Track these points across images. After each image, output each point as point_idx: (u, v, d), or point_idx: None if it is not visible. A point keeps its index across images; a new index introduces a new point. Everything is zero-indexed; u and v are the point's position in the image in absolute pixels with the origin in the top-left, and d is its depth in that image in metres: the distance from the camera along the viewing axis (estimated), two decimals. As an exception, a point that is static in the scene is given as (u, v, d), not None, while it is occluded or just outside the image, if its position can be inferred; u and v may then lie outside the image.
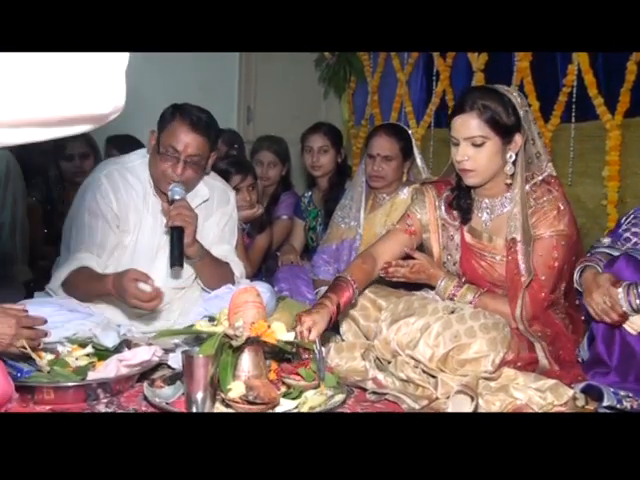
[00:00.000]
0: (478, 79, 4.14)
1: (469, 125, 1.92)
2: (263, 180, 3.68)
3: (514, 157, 1.96)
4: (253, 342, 1.64)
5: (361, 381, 1.89)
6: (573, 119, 3.75)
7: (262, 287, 2.47)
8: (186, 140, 2.19)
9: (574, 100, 3.72)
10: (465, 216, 2.10)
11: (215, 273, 2.39)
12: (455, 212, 2.13)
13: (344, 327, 2.13)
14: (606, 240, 2.06)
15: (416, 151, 2.95)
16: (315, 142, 3.47)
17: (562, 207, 1.97)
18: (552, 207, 1.96)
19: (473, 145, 1.92)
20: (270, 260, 3.39)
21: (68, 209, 3.13)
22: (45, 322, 1.70)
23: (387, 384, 1.84)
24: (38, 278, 2.81)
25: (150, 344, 1.86)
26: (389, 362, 1.90)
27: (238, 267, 2.49)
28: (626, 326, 1.81)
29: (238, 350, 1.63)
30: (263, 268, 3.32)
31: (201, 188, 2.38)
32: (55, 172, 3.16)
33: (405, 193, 2.88)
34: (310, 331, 1.77)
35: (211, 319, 1.80)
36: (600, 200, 3.67)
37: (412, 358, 1.82)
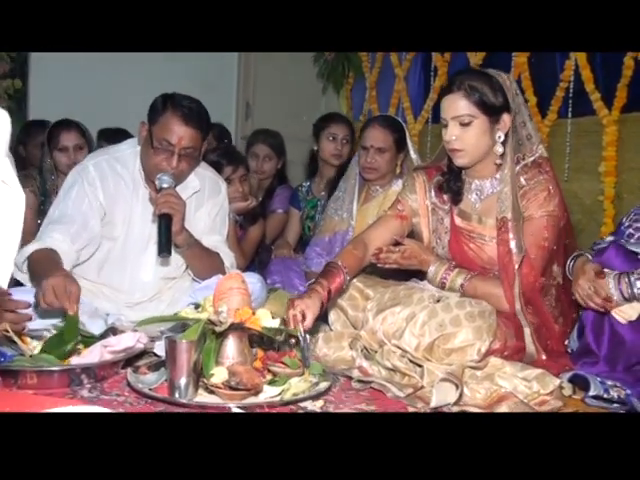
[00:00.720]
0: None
1: (456, 104, 1.94)
2: (258, 173, 3.69)
3: (503, 137, 1.98)
4: (237, 328, 1.63)
5: (347, 369, 1.88)
6: (570, 114, 3.75)
7: (253, 278, 2.46)
8: (180, 133, 2.17)
9: (571, 95, 3.72)
10: (455, 197, 2.11)
11: (205, 263, 2.38)
12: (445, 196, 2.15)
13: (332, 317, 2.12)
14: (609, 238, 2.05)
15: (410, 143, 2.94)
16: (341, 131, 3.45)
17: (552, 189, 1.99)
18: (542, 188, 1.98)
19: (461, 125, 1.94)
20: (263, 252, 3.39)
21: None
22: (29, 306, 1.69)
23: (373, 372, 1.83)
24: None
25: (135, 331, 1.86)
26: (376, 351, 1.89)
27: (228, 257, 2.48)
28: (615, 314, 1.80)
29: (222, 336, 1.62)
30: (256, 260, 3.31)
31: (192, 179, 2.37)
32: (49, 163, 3.15)
33: (399, 185, 2.86)
34: (304, 315, 1.76)
35: (197, 306, 1.79)
36: (597, 196, 3.66)
37: (398, 348, 1.81)
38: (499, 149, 1.99)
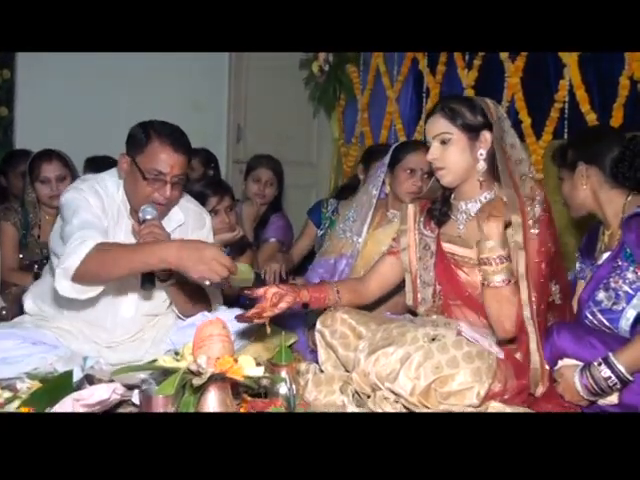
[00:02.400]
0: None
1: (435, 124, 1.99)
2: (259, 197, 3.61)
3: (484, 155, 1.97)
4: (218, 379, 1.52)
5: (337, 418, 1.77)
6: (566, 135, 3.68)
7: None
8: (170, 162, 2.09)
9: (566, 116, 3.65)
10: (440, 218, 2.11)
11: (190, 298, 2.28)
12: (432, 223, 2.13)
13: (323, 356, 2.02)
14: (577, 266, 2.27)
15: None
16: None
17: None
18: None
19: (441, 143, 1.97)
20: (256, 282, 3.27)
21: (43, 234, 3.07)
22: None
23: (365, 421, 1.72)
24: (10, 306, 2.71)
25: (112, 380, 1.75)
26: (368, 396, 1.78)
27: (215, 294, 2.38)
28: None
29: (201, 388, 1.52)
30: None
31: (175, 212, 2.28)
32: (31, 196, 3.05)
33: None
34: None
35: (176, 353, 1.69)
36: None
37: (392, 392, 1.71)
38: (482, 166, 1.97)
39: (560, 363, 1.90)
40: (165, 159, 2.08)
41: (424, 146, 2.78)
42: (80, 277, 1.92)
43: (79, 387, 1.77)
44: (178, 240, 2.03)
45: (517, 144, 2.01)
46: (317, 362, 2.10)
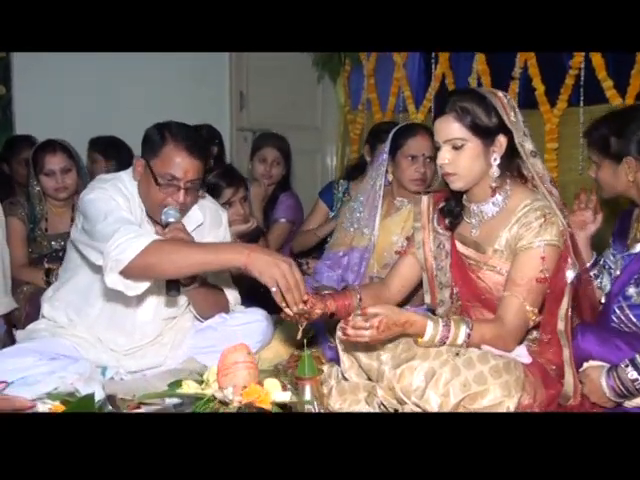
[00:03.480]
0: (479, 61, 3.94)
1: (447, 127, 1.87)
2: (266, 178, 3.55)
3: (499, 160, 1.89)
4: (245, 410, 1.50)
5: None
6: (582, 102, 3.57)
7: (258, 315, 2.35)
8: (185, 166, 2.03)
9: (582, 83, 3.53)
10: (452, 222, 2.05)
11: (210, 301, 2.26)
12: (446, 221, 2.07)
13: (346, 364, 1.98)
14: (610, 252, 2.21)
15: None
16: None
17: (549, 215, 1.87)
18: (538, 215, 1.87)
19: (453, 148, 1.87)
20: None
21: (51, 227, 3.02)
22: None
23: (393, 438, 1.70)
24: (23, 305, 2.68)
25: (139, 406, 1.72)
26: (395, 410, 1.76)
27: (232, 293, 2.36)
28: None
29: (229, 418, 1.49)
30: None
31: (194, 211, 2.22)
32: (37, 188, 2.98)
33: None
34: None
35: (200, 375, 1.66)
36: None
37: (418, 407, 1.69)
38: (495, 172, 1.90)
39: (586, 365, 1.87)
40: (179, 163, 2.03)
41: (424, 129, 2.72)
42: (131, 271, 1.85)
43: (101, 409, 1.75)
44: (243, 244, 2.01)
45: (528, 138, 1.92)
46: (337, 359, 2.06)
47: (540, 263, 1.83)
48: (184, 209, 2.11)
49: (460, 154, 1.86)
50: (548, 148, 3.65)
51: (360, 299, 2.04)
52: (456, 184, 1.92)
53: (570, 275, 1.84)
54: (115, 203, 2.02)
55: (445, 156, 1.87)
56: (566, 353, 1.84)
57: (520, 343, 1.89)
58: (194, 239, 2.04)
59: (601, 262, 2.21)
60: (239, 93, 5.17)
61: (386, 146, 2.69)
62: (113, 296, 2.11)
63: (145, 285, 1.91)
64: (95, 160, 3.75)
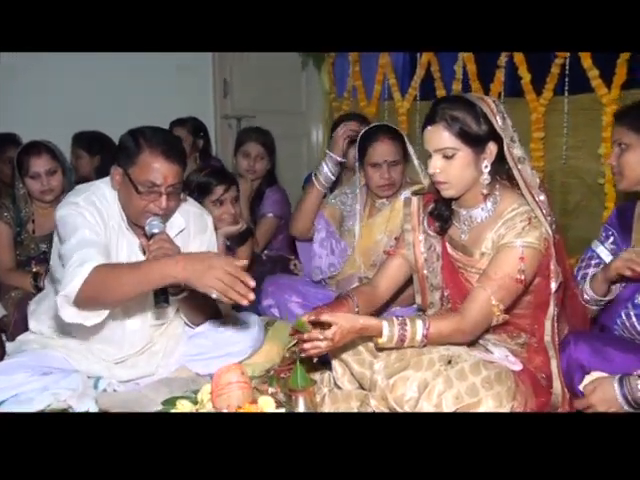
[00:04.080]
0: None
1: (438, 137, 1.86)
2: (250, 173, 3.52)
3: (489, 167, 1.90)
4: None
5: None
6: (567, 92, 3.58)
7: (249, 320, 2.36)
8: (164, 172, 1.99)
9: (567, 72, 3.53)
10: (442, 226, 2.05)
11: (200, 307, 2.25)
12: (436, 224, 2.08)
13: (339, 372, 1.99)
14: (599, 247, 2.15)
15: (411, 150, 2.75)
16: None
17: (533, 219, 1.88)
18: (523, 218, 1.88)
19: (444, 157, 1.87)
20: (257, 266, 3.24)
21: (38, 229, 2.99)
22: None
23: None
24: (11, 312, 2.66)
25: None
26: (388, 419, 1.78)
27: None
28: None
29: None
30: (249, 276, 3.17)
31: (176, 217, 2.19)
32: (22, 191, 2.95)
33: (405, 195, 2.67)
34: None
35: (195, 394, 1.67)
36: (597, 177, 3.52)
37: (412, 418, 1.71)
38: (485, 179, 1.90)
39: (593, 375, 1.83)
40: (158, 169, 1.99)
41: (384, 133, 2.70)
42: (83, 302, 1.83)
43: (96, 426, 1.75)
44: (182, 254, 1.96)
45: (517, 143, 1.91)
46: (328, 362, 2.07)
47: (518, 263, 1.84)
48: (167, 214, 2.08)
49: (451, 163, 1.86)
50: (534, 137, 3.65)
51: (358, 306, 2.02)
52: (448, 192, 1.92)
53: (553, 285, 1.86)
54: (82, 219, 2.00)
55: (436, 165, 1.88)
56: (554, 364, 1.86)
57: (482, 336, 1.94)
58: (179, 248, 2.02)
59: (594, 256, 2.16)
60: (223, 80, 5.13)
61: (356, 154, 2.74)
62: None
63: (104, 313, 1.89)
64: (79, 156, 3.72)
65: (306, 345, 1.76)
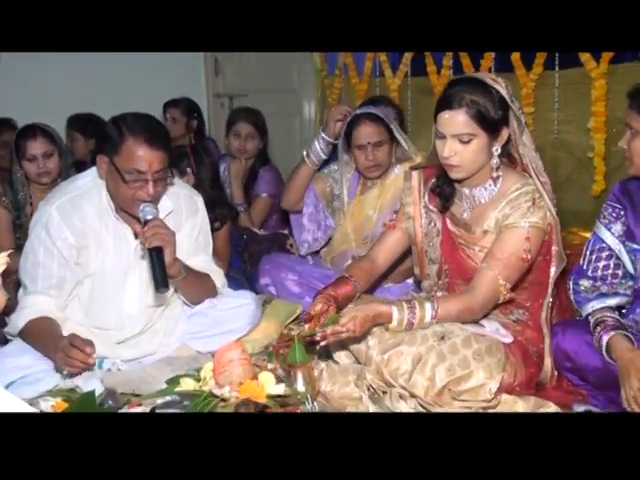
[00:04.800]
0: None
1: (457, 122, 1.87)
2: (241, 152, 3.55)
3: (499, 150, 1.94)
4: (243, 406, 1.57)
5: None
6: (557, 67, 3.62)
7: (247, 298, 2.42)
8: (149, 159, 2.01)
9: (557, 47, 3.57)
10: (444, 204, 2.09)
11: (198, 288, 2.30)
12: (438, 201, 2.11)
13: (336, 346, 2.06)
14: (585, 283, 1.97)
15: (397, 130, 2.79)
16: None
17: (537, 199, 1.93)
18: (527, 198, 1.93)
19: (460, 142, 1.89)
20: (252, 244, 3.29)
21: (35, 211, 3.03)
22: None
23: (383, 421, 1.80)
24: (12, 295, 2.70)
25: (139, 404, 1.78)
26: (384, 392, 1.85)
27: (219, 277, 2.40)
28: None
29: (227, 414, 1.57)
30: (245, 255, 3.23)
31: (163, 200, 2.21)
32: (20, 174, 2.99)
33: (396, 172, 2.76)
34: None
35: (197, 372, 1.73)
36: (587, 151, 3.57)
37: (405, 390, 1.78)
38: (495, 162, 1.94)
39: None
40: (143, 157, 2.01)
41: (366, 116, 2.72)
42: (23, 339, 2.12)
43: (102, 404, 1.82)
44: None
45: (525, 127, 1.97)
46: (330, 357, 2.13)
47: (523, 242, 1.89)
48: (155, 200, 2.12)
49: (467, 148, 1.89)
50: (525, 112, 3.68)
51: (356, 282, 2.08)
52: (458, 174, 1.95)
53: (553, 270, 1.93)
54: (43, 251, 2.13)
55: (452, 149, 1.89)
56: (547, 342, 1.93)
57: (487, 315, 1.99)
58: (175, 233, 2.08)
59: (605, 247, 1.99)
60: (214, 59, 5.12)
61: (341, 138, 2.80)
62: (95, 293, 2.20)
63: None
64: (75, 139, 3.75)
65: (331, 339, 1.83)
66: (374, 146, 2.69)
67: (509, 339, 1.92)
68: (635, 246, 1.89)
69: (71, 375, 1.97)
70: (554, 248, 1.94)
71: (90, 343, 1.91)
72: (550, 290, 1.96)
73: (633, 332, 1.85)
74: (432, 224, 2.13)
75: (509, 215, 1.93)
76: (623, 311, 1.93)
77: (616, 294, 1.92)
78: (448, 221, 2.09)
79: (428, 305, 1.87)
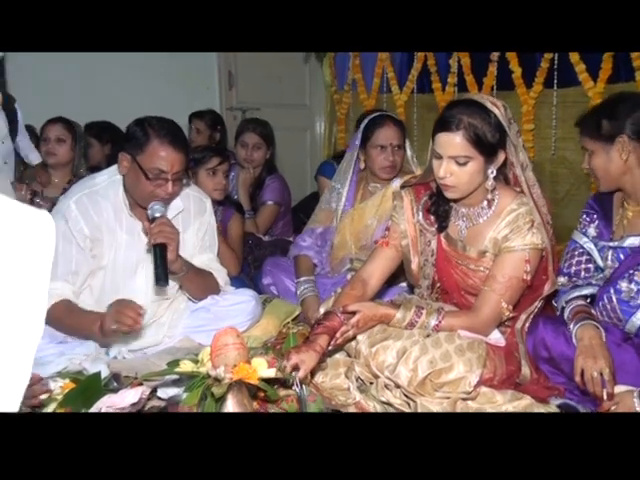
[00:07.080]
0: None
1: (454, 144, 1.91)
2: (247, 162, 3.68)
3: (495, 172, 1.98)
4: (235, 386, 1.69)
5: (344, 406, 1.95)
6: (555, 85, 3.74)
7: (246, 295, 2.53)
8: (171, 160, 2.17)
9: (556, 67, 3.69)
10: (442, 223, 2.13)
11: (200, 285, 2.43)
12: (433, 217, 2.16)
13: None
14: (562, 280, 2.14)
15: (407, 140, 2.92)
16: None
17: (535, 220, 1.99)
18: (526, 220, 1.99)
19: (456, 163, 1.93)
20: (257, 248, 3.42)
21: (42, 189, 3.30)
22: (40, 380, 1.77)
23: (369, 408, 1.91)
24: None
25: (140, 383, 1.90)
26: (371, 383, 1.96)
27: (222, 275, 2.53)
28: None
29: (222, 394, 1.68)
30: (250, 258, 3.35)
31: (175, 201, 2.37)
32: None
33: (396, 183, 2.78)
34: (297, 367, 1.80)
35: (196, 355, 1.85)
36: (584, 168, 3.66)
37: (391, 381, 1.88)
38: (490, 184, 1.99)
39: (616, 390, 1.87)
40: (165, 158, 2.17)
41: (391, 119, 2.83)
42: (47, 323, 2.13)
43: (107, 385, 1.94)
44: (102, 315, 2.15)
45: (522, 150, 2.01)
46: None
47: (524, 265, 1.98)
48: (171, 198, 2.28)
49: (463, 169, 1.92)
50: (524, 129, 3.81)
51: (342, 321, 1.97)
52: (453, 195, 2.00)
53: (547, 288, 2.03)
54: (62, 243, 2.21)
55: (448, 170, 1.93)
56: (521, 348, 2.02)
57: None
58: (179, 231, 2.22)
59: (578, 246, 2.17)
60: (227, 73, 5.27)
61: (357, 138, 2.87)
62: (106, 285, 2.33)
63: None
64: (90, 144, 3.90)
65: (340, 341, 1.94)
66: (394, 148, 2.79)
67: (502, 342, 2.02)
68: (603, 243, 2.09)
69: (104, 344, 2.22)
70: (549, 272, 2.03)
71: (141, 306, 2.08)
72: (533, 307, 2.05)
73: (604, 319, 2.00)
74: (427, 243, 2.17)
75: (509, 238, 1.99)
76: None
77: (589, 285, 2.08)
78: (443, 240, 2.13)
79: (434, 314, 1.96)
